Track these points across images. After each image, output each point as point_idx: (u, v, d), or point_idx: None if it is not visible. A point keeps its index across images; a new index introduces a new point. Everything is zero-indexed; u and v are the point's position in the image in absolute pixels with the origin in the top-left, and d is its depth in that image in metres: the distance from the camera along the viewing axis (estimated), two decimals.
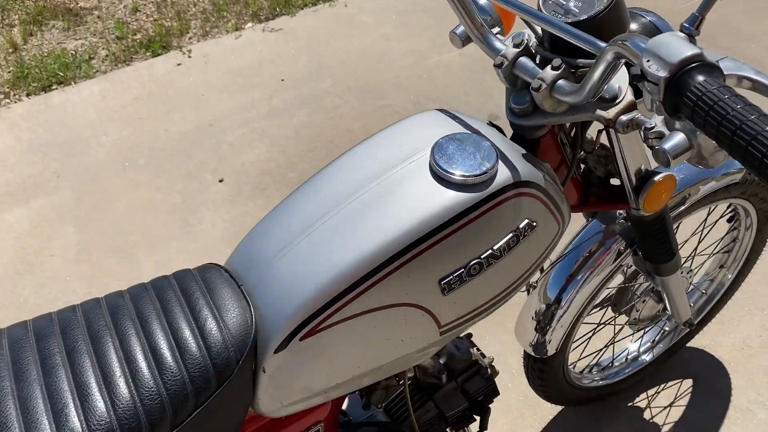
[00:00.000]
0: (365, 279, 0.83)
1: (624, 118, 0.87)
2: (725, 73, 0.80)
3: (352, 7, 3.48)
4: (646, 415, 1.74)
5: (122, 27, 3.44)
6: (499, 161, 0.88)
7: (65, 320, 0.84)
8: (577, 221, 1.36)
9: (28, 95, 3.10)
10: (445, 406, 1.22)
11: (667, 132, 0.81)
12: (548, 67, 0.88)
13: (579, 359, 1.62)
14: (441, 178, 0.86)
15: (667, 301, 1.41)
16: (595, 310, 1.54)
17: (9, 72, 3.20)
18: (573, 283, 1.32)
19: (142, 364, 0.79)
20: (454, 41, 1.01)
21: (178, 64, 3.22)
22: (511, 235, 0.89)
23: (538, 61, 0.93)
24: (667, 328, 1.77)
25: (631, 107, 0.89)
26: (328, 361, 0.86)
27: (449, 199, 0.85)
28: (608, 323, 1.55)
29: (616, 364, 1.73)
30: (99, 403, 0.76)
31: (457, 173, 0.85)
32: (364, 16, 3.39)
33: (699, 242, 1.55)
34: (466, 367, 1.24)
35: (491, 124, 0.99)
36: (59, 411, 0.75)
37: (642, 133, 0.82)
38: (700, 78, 0.64)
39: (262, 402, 0.87)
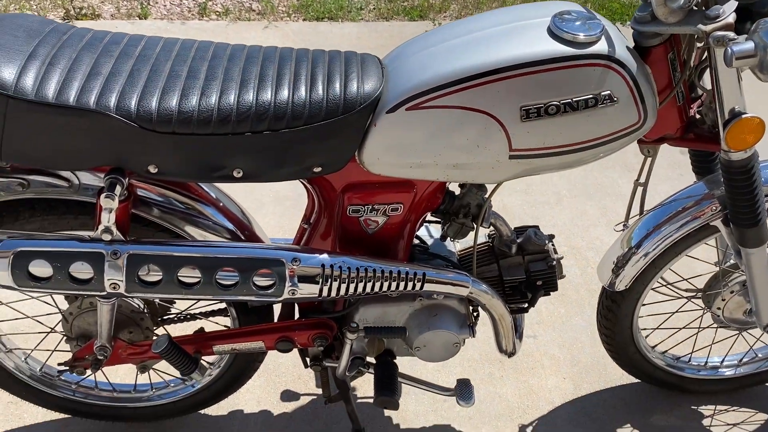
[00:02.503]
0: (467, 80, 1.11)
1: (718, 33, 1.06)
2: None
3: None
4: (705, 422, 1.77)
5: None
6: (603, 37, 1.11)
7: (268, 49, 1.23)
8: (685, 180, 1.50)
9: (303, 19, 3.79)
10: (506, 272, 1.44)
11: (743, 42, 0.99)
12: None
13: (656, 328, 1.72)
14: (552, 32, 1.12)
15: (750, 291, 1.48)
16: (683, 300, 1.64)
17: (297, 1, 3.92)
18: (657, 232, 1.45)
19: (302, 81, 1.15)
20: None
21: (425, 31, 3.70)
22: (590, 96, 1.12)
23: None
24: (760, 355, 1.78)
25: (727, 27, 1.07)
26: (419, 136, 1.15)
27: (551, 45, 1.10)
28: (692, 299, 1.64)
29: (693, 362, 1.78)
30: (268, 89, 1.13)
31: (564, 30, 1.10)
32: None
33: None
34: (537, 251, 1.44)
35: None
36: (246, 81, 1.13)
37: (727, 43, 1.02)
38: None
39: (365, 151, 1.18)
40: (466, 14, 3.88)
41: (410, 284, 1.28)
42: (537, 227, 1.49)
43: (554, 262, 1.45)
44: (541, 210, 2.45)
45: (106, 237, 1.16)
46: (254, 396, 1.78)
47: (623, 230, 1.55)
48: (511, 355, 1.46)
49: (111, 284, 1.17)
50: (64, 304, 1.46)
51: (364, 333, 1.34)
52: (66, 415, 1.70)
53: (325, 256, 1.23)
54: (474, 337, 1.40)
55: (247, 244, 1.26)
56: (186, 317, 1.53)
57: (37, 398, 1.59)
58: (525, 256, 1.44)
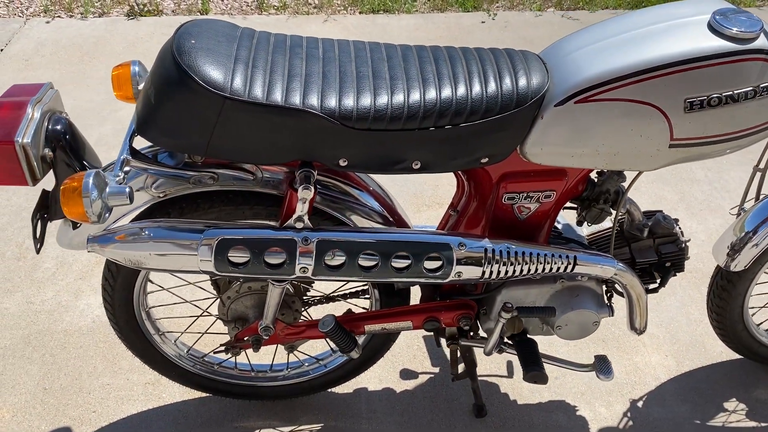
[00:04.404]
0: (636, 75, 1.19)
1: None
2: None
3: None
4: None
5: None
6: (762, 33, 1.19)
7: (434, 48, 1.31)
8: None
9: (360, 12, 3.86)
10: (637, 254, 1.53)
11: None
12: None
13: (763, 307, 1.80)
14: (714, 29, 1.20)
15: None
16: None
17: None
18: None
19: (475, 78, 1.23)
20: None
21: (482, 22, 3.76)
22: (750, 88, 1.20)
23: None
24: None
25: None
26: (586, 128, 1.23)
27: (715, 41, 1.18)
28: None
29: None
30: (447, 86, 1.21)
31: (727, 27, 1.18)
32: None
33: None
34: (666, 234, 1.53)
35: None
36: (426, 80, 1.21)
37: None
38: None
39: (529, 142, 1.26)
40: (517, 4, 3.94)
41: (563, 267, 1.36)
42: (661, 211, 1.58)
43: (683, 245, 1.53)
44: None
45: (299, 225, 1.25)
46: (375, 375, 1.88)
47: (739, 215, 1.63)
48: (641, 332, 1.54)
49: (301, 268, 1.26)
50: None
51: (517, 313, 1.43)
52: (203, 394, 1.80)
53: (486, 241, 1.32)
54: (612, 315, 1.49)
55: (416, 230, 1.35)
56: (326, 299, 1.62)
57: (183, 378, 1.69)
58: (655, 239, 1.53)
